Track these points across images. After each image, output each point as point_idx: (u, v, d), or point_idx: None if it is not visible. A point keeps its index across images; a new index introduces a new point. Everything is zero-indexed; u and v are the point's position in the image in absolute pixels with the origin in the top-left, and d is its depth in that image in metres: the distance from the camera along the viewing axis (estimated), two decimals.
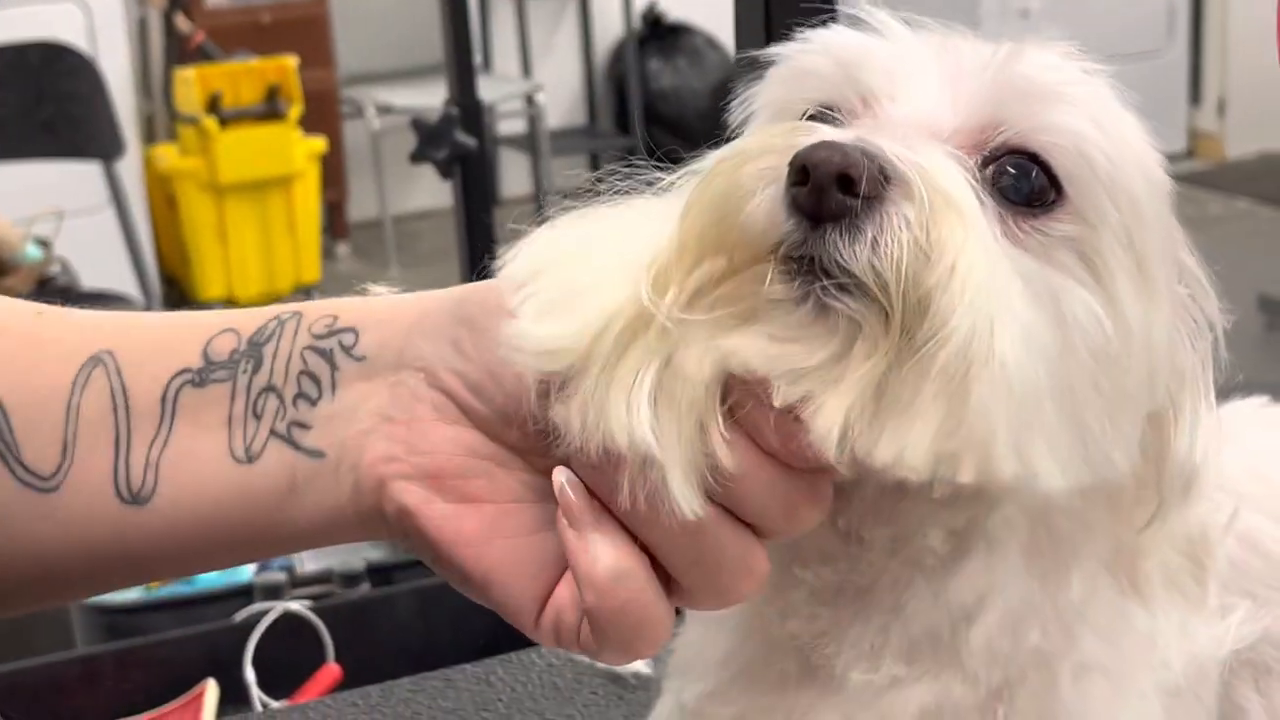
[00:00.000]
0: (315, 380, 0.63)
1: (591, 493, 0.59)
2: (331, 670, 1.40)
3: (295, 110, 4.52)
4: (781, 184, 0.57)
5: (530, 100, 5.95)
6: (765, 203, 0.57)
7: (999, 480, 0.57)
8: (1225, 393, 0.70)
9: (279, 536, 0.64)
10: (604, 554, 0.59)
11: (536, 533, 0.62)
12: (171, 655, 1.40)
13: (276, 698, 1.35)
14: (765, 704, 0.69)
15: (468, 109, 2.29)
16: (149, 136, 5.13)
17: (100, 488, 0.63)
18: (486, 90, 5.46)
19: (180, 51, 4.69)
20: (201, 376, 0.63)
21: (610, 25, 6.18)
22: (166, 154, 4.71)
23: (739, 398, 0.57)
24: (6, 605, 0.67)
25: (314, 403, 0.63)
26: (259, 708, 1.33)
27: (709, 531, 0.58)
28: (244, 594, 1.53)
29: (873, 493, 0.64)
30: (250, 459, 0.63)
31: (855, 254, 0.56)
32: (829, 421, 0.56)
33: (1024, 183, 0.61)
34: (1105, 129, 0.63)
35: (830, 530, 0.65)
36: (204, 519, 0.63)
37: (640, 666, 1.07)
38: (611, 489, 0.58)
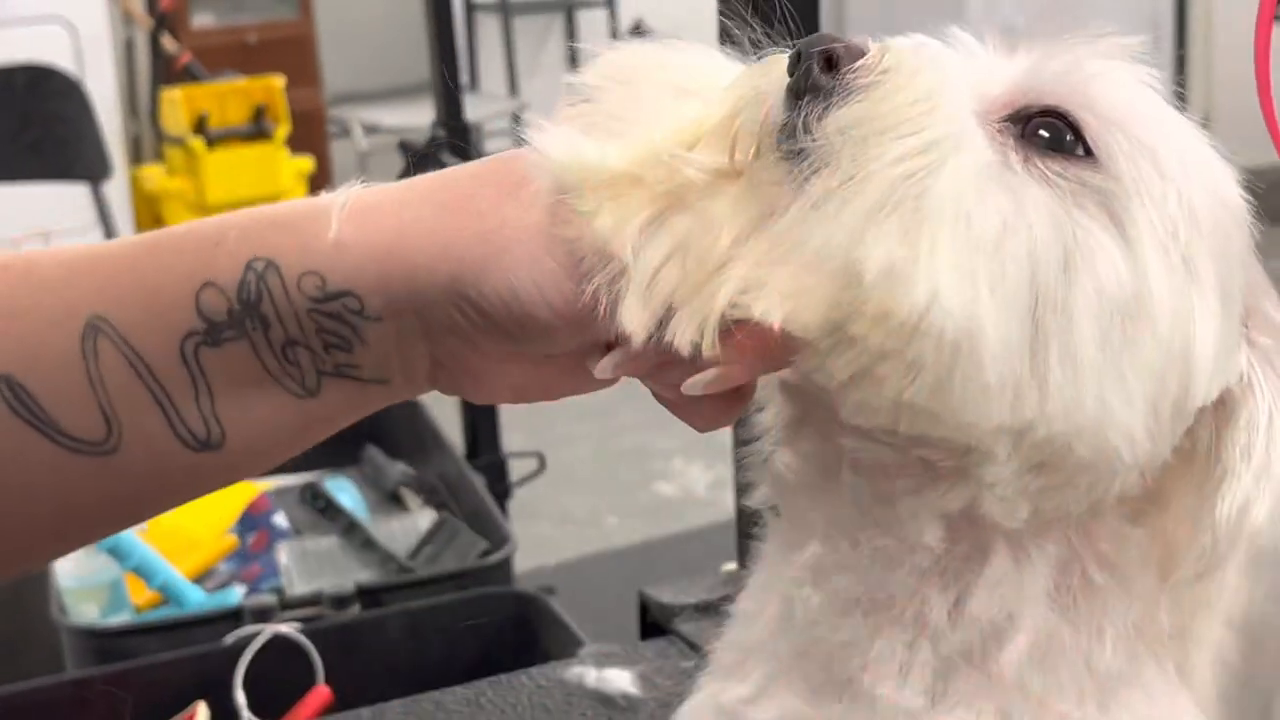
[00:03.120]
0: (340, 336, 0.64)
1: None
2: (321, 692, 1.41)
3: (282, 130, 4.52)
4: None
5: (517, 119, 5.94)
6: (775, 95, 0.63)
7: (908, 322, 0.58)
8: None
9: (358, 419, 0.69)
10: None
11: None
12: (162, 678, 1.40)
13: None
14: (800, 713, 0.69)
15: (455, 131, 2.30)
16: (136, 157, 5.13)
17: (163, 442, 0.64)
18: (473, 109, 5.48)
19: (167, 72, 4.69)
20: (212, 337, 0.64)
21: (597, 42, 6.19)
22: (153, 174, 4.70)
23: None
24: (74, 542, 0.70)
25: (350, 351, 0.65)
26: None
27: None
28: (234, 617, 1.53)
29: (857, 489, 0.66)
30: (311, 393, 0.65)
31: (822, 116, 0.60)
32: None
33: (1053, 133, 0.63)
34: (1151, 116, 0.65)
35: (840, 539, 0.66)
36: (281, 443, 0.66)
37: (630, 688, 1.07)
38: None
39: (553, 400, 0.69)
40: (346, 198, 0.65)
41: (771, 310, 0.59)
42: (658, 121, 0.64)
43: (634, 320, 0.62)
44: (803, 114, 0.61)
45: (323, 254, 0.64)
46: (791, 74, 0.62)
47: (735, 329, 0.61)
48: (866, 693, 0.66)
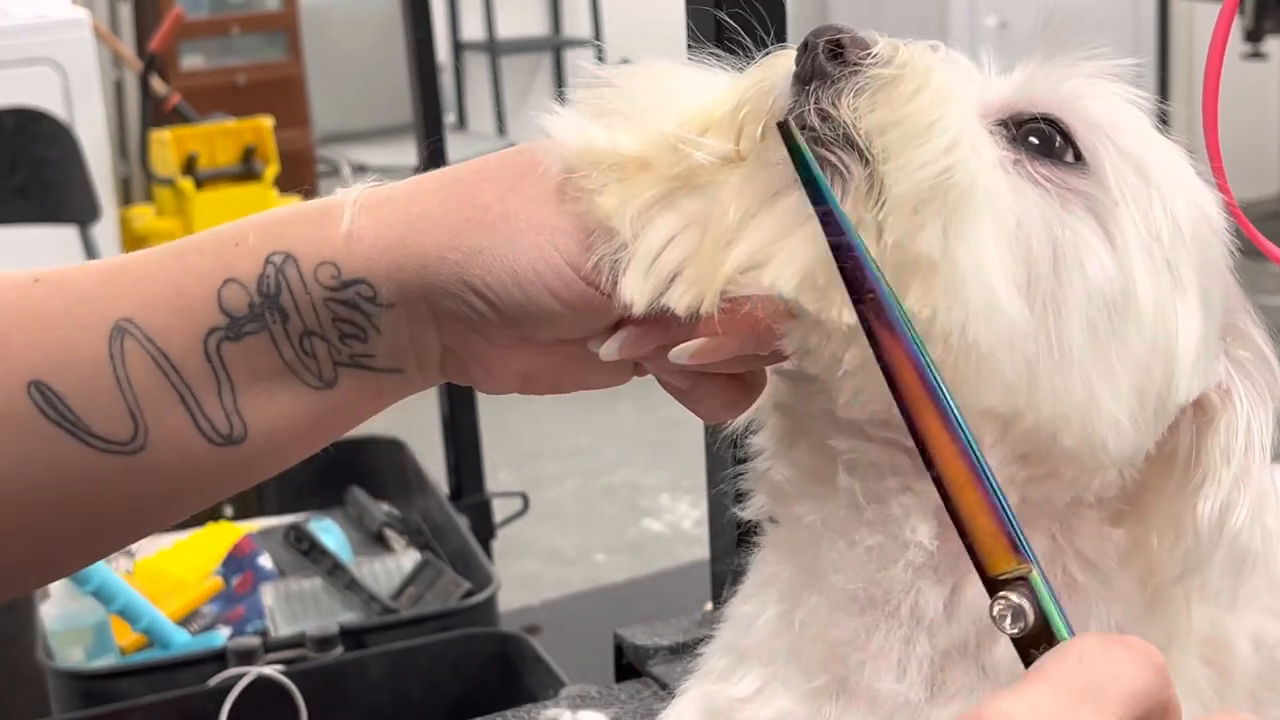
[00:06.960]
0: (355, 324, 0.67)
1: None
2: None
3: (271, 170, 4.54)
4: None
5: None
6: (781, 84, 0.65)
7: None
8: None
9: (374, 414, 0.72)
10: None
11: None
12: None
13: None
14: (796, 713, 0.70)
15: None
16: (125, 198, 5.15)
17: (188, 439, 0.67)
18: (461, 149, 5.50)
19: (156, 113, 4.70)
20: (233, 331, 0.67)
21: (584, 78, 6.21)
22: (143, 215, 4.72)
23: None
24: (107, 543, 0.72)
25: (364, 340, 0.68)
26: None
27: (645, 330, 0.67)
28: (218, 659, 1.54)
29: (850, 490, 0.67)
30: (328, 385, 0.68)
31: (832, 102, 0.62)
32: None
33: (1044, 139, 0.66)
34: (1137, 129, 0.67)
35: (836, 539, 0.68)
36: (301, 436, 0.69)
37: None
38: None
39: (562, 393, 0.72)
40: (359, 194, 0.69)
41: (784, 282, 0.61)
42: (665, 111, 0.67)
43: (635, 290, 0.64)
44: (811, 99, 0.63)
45: (337, 245, 0.67)
46: (798, 63, 0.64)
47: (730, 305, 0.63)
48: (866, 688, 0.68)
